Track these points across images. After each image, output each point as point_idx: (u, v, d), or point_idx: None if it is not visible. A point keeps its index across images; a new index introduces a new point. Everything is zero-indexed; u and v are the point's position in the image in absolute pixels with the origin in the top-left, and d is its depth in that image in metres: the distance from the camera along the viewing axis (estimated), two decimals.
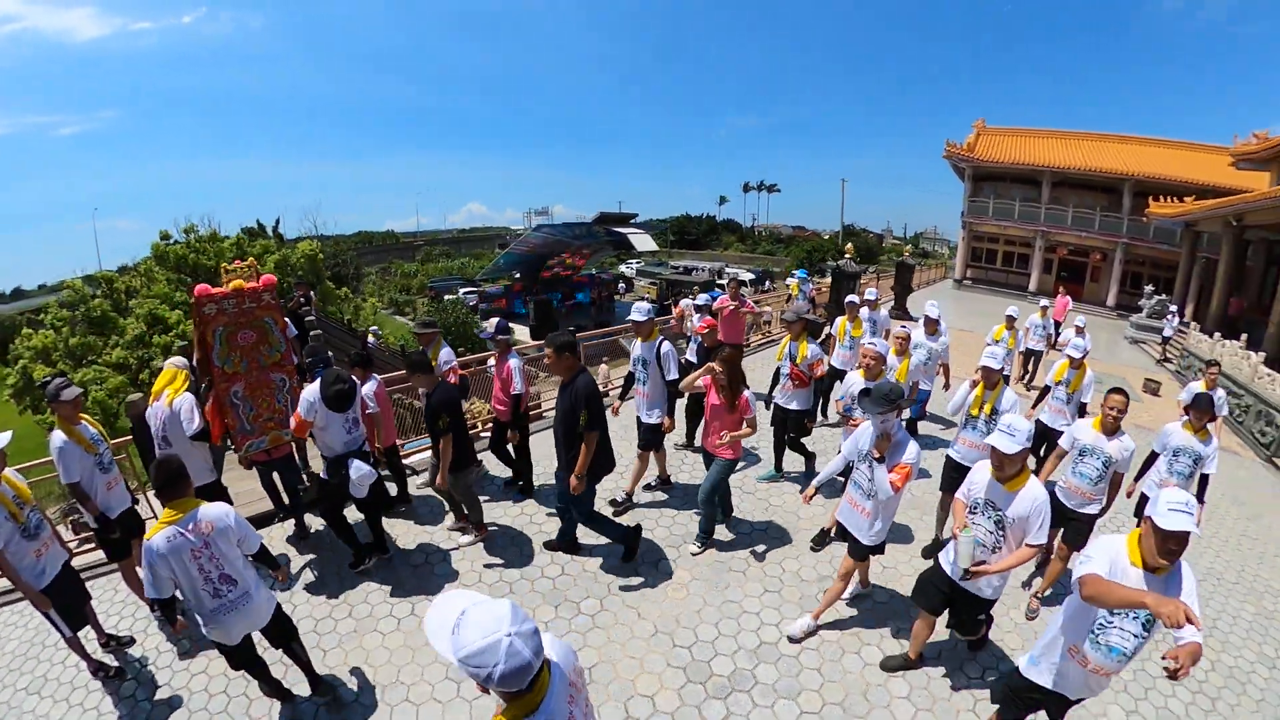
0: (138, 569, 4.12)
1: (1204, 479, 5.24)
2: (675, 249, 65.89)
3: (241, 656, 3.69)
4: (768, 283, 45.66)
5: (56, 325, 18.68)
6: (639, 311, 6.05)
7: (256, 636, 3.73)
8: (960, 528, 3.73)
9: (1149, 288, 20.61)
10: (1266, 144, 18.00)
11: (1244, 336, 13.52)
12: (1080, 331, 9.41)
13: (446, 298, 44.45)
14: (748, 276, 44.22)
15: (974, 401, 5.38)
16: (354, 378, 5.38)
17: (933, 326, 7.73)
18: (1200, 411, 5.20)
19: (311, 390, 5.01)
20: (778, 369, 6.69)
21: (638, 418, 6.11)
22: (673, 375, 5.82)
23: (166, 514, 3.35)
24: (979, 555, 3.57)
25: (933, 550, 5.63)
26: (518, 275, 34.61)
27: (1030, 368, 12.38)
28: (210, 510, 3.48)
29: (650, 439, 6.08)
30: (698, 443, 6.94)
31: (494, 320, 6.15)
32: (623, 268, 52.20)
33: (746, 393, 4.96)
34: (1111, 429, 4.80)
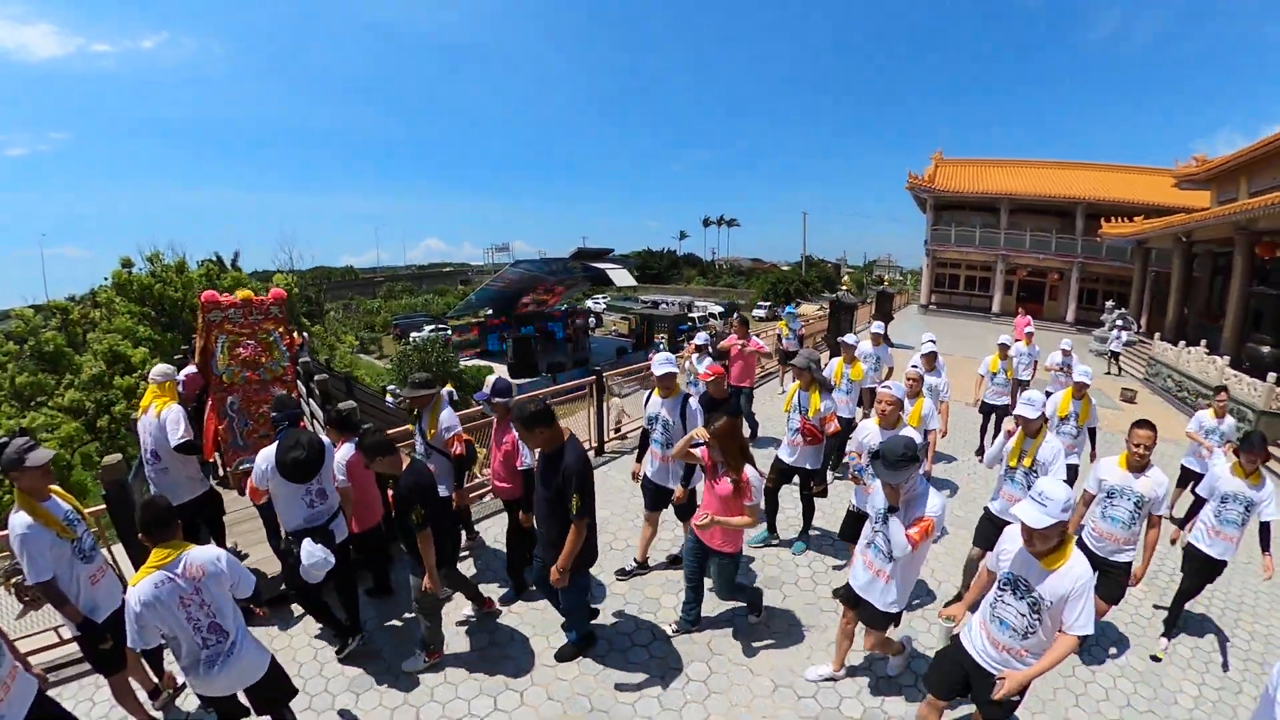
0: (131, 680, 3.82)
1: (1265, 528, 4.76)
2: (640, 284, 67.09)
3: (231, 711, 3.42)
4: (735, 315, 46.72)
5: (0, 361, 16.21)
6: (664, 363, 5.29)
7: (241, 696, 3.37)
8: (957, 616, 3.54)
9: (1110, 303, 22.14)
10: (1206, 166, 19.68)
11: (1203, 343, 14.72)
12: (1068, 354, 9.53)
13: (413, 335, 44.43)
14: (716, 310, 45.61)
15: (1012, 451, 4.91)
16: (326, 440, 4.65)
17: (931, 362, 7.64)
18: (1253, 453, 4.83)
19: (266, 454, 4.37)
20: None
21: (645, 477, 5.46)
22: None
23: (154, 557, 3.10)
24: (1008, 640, 3.08)
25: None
26: (489, 312, 34.71)
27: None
28: (200, 554, 3.22)
29: (660, 503, 5.37)
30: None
31: (491, 379, 5.22)
32: (589, 303, 52.79)
33: (750, 471, 4.05)
34: (1139, 465, 4.45)
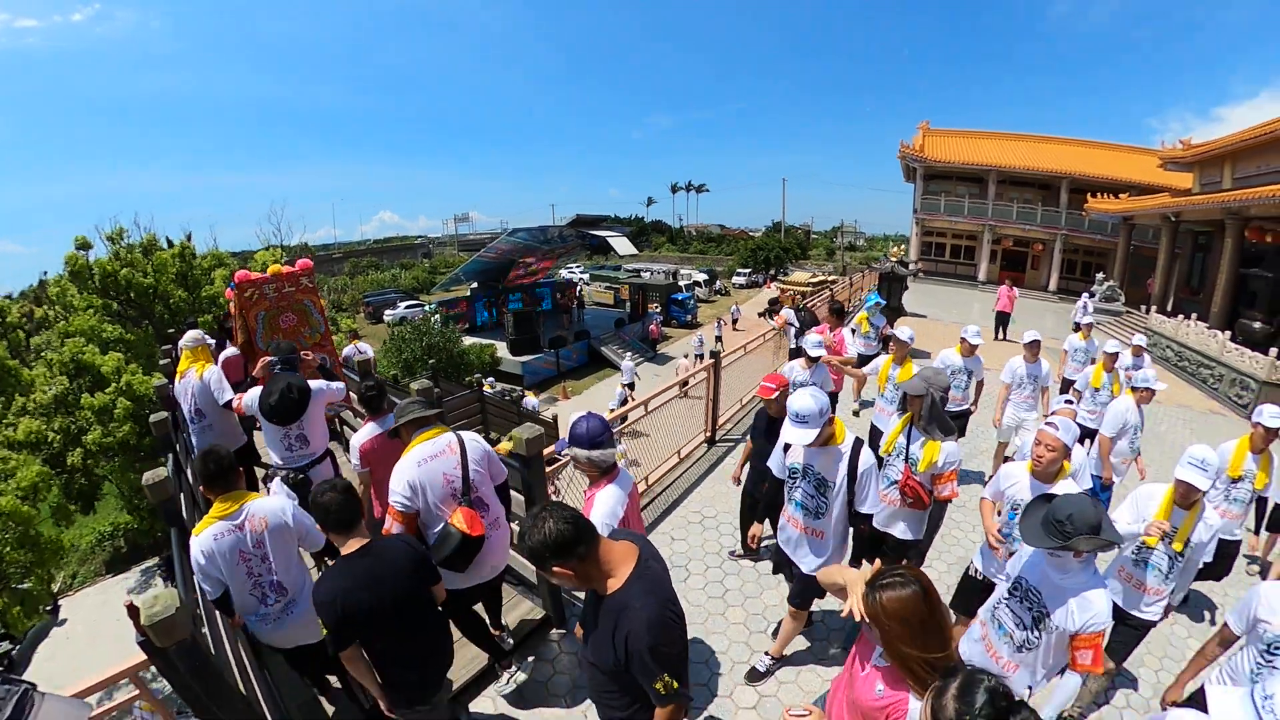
0: None
1: (1275, 508, 5.04)
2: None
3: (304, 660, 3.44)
4: (718, 283, 47.82)
5: None
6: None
7: None
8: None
9: (1099, 275, 24.13)
10: (1191, 149, 21.61)
11: (1193, 316, 16.59)
12: (1140, 354, 8.26)
13: (388, 313, 43.85)
14: (700, 277, 46.02)
15: (1154, 524, 3.61)
16: (315, 387, 4.77)
17: (1034, 353, 7.00)
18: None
19: (252, 395, 4.70)
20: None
21: (778, 548, 4.17)
22: (870, 506, 3.73)
23: (215, 508, 3.11)
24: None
25: None
26: (475, 285, 34.31)
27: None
28: (263, 504, 3.22)
29: (809, 595, 4.00)
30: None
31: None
32: (563, 272, 52.34)
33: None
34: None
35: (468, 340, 27.72)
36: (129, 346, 14.93)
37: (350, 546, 2.82)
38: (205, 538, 3.04)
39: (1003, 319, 18.10)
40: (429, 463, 3.44)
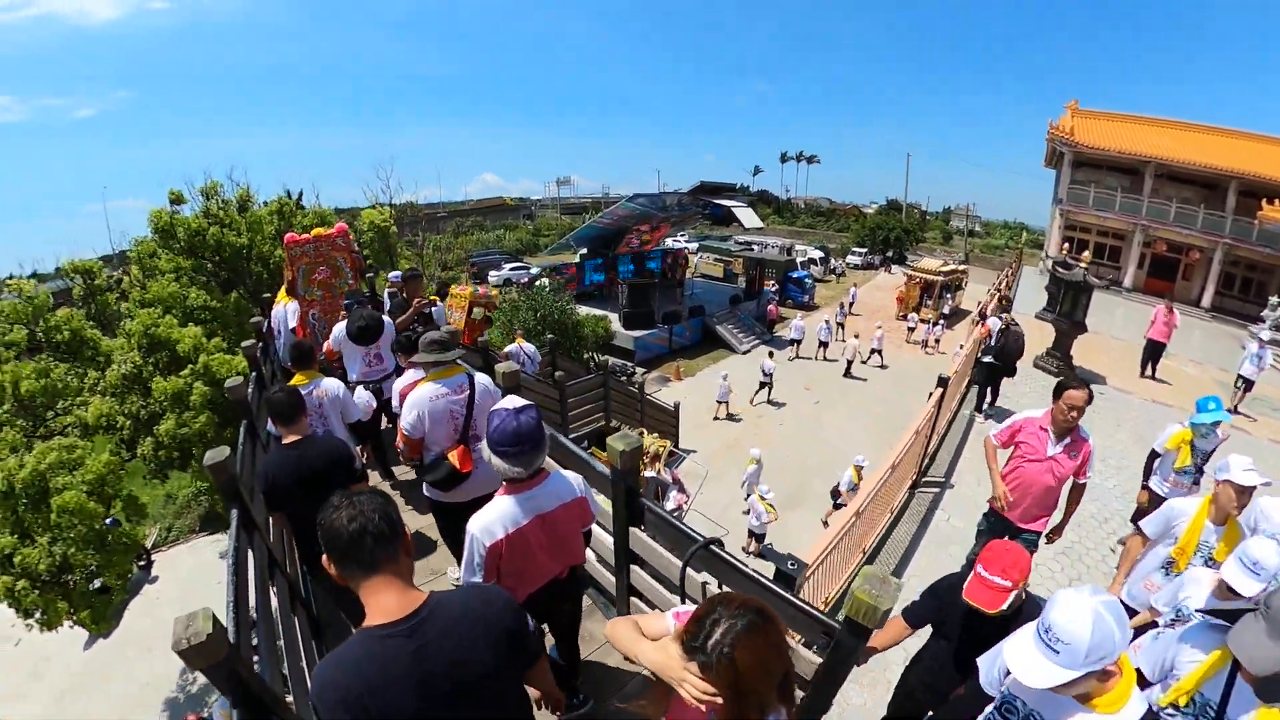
0: None
1: None
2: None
3: None
4: (833, 262, 46.41)
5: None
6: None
7: None
8: None
9: (1274, 299, 22.54)
10: None
11: None
12: None
13: (492, 274, 44.88)
14: (816, 254, 44.66)
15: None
16: (386, 320, 6.55)
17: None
18: None
19: (340, 325, 6.47)
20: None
21: None
22: None
23: (297, 379, 5.10)
24: None
25: None
26: (584, 251, 33.92)
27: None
28: (328, 382, 5.19)
29: None
30: None
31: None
32: (669, 241, 51.70)
33: None
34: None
35: (587, 311, 26.76)
36: (215, 315, 13.51)
37: (290, 437, 4.08)
38: None
39: (1155, 350, 15.83)
40: (438, 400, 4.19)
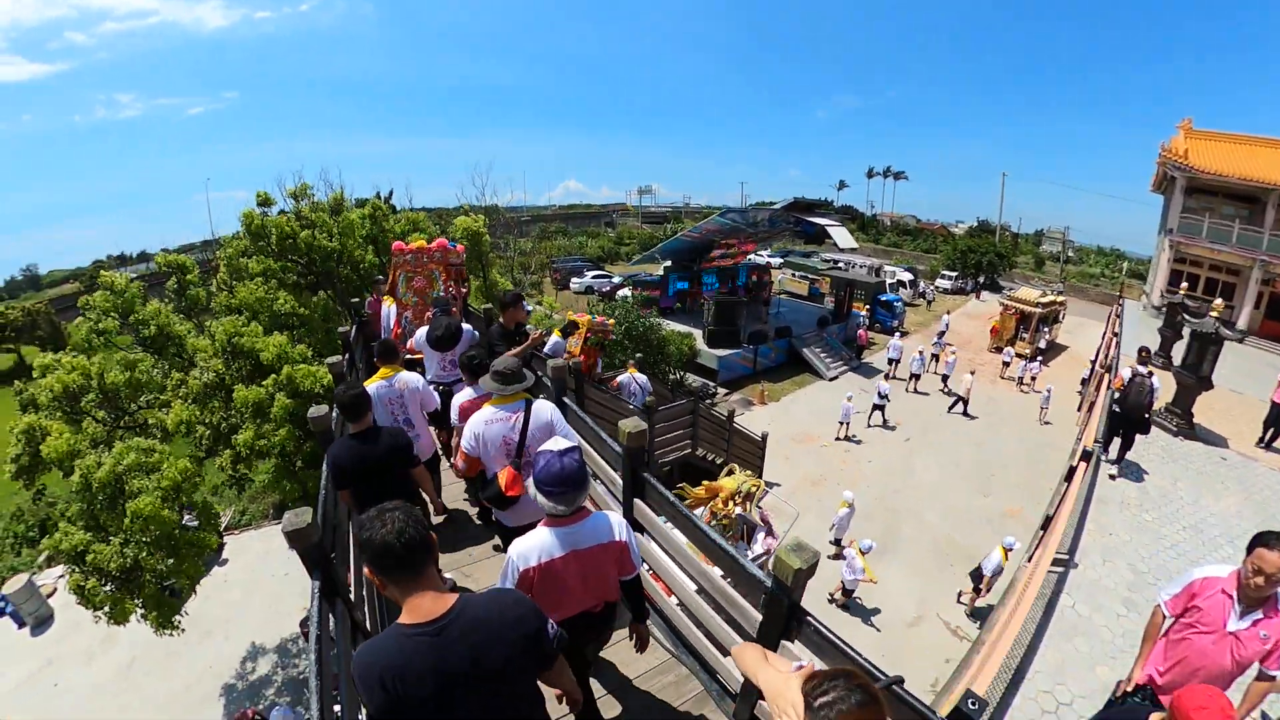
0: None
1: None
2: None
3: None
4: (922, 285, 45.40)
5: (85, 346, 11.81)
6: None
7: None
8: None
9: None
10: None
11: None
12: None
13: (574, 280, 45.57)
14: (905, 276, 43.53)
15: None
16: (467, 328, 7.23)
17: None
18: None
19: (421, 330, 7.31)
20: None
21: None
22: None
23: (380, 373, 5.74)
24: None
25: None
26: (669, 264, 33.41)
27: None
28: (408, 376, 5.82)
29: None
30: None
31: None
32: (752, 256, 50.94)
33: None
34: None
35: (672, 327, 26.54)
36: (303, 321, 13.44)
37: (358, 428, 4.70)
38: (374, 388, 5.48)
39: None
40: (494, 424, 4.48)
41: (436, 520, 6.08)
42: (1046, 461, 19.12)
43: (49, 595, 15.42)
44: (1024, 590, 6.82)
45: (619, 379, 13.34)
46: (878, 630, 12.62)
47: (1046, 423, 22.42)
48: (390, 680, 2.14)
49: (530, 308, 11.68)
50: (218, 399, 11.39)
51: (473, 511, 6.54)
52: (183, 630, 10.04)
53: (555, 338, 10.09)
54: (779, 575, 3.04)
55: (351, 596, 3.81)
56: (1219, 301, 14.33)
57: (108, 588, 8.99)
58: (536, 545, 3.17)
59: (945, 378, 25.53)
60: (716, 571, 3.97)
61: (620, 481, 4.66)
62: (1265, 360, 23.61)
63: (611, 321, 14.91)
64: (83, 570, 8.90)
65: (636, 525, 4.53)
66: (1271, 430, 14.19)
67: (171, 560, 9.34)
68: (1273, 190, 27.37)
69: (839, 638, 2.84)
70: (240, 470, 11.69)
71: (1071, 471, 7.35)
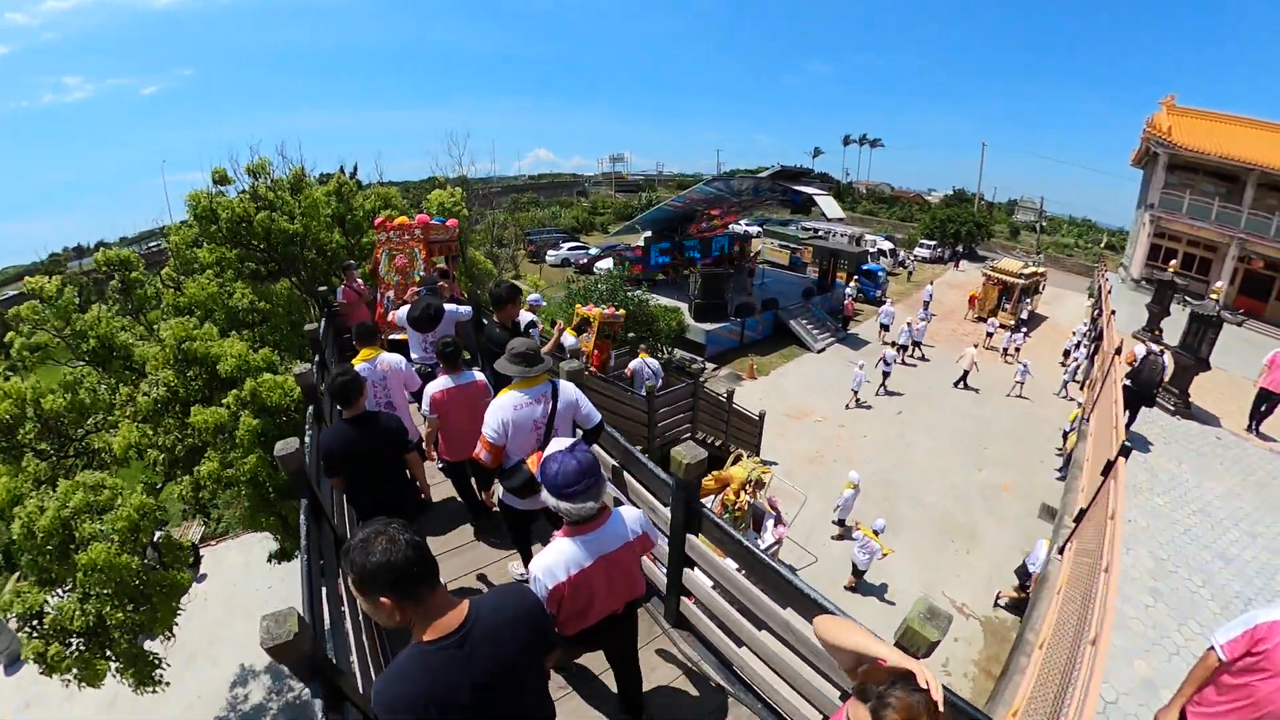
0: None
1: None
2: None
3: None
4: (901, 255, 45.40)
5: (17, 362, 10.76)
6: None
7: None
8: None
9: None
10: None
11: None
12: None
13: (549, 254, 44.78)
14: (885, 245, 43.51)
15: None
16: (449, 308, 7.22)
17: None
18: None
19: (403, 309, 7.35)
20: None
21: None
22: None
23: (361, 355, 5.78)
24: None
25: None
26: (649, 234, 32.39)
27: None
28: (389, 357, 5.88)
29: None
30: None
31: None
32: (733, 226, 50.18)
33: None
34: None
35: (658, 300, 25.64)
36: (264, 317, 12.04)
37: (350, 413, 4.62)
38: (359, 368, 5.48)
39: (1269, 402, 13.66)
40: (522, 408, 4.19)
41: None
42: (1035, 434, 19.46)
43: (19, 630, 13.94)
44: (1063, 587, 6.90)
45: (631, 366, 13.23)
46: (891, 604, 12.65)
47: (1021, 397, 22.40)
48: (432, 708, 2.07)
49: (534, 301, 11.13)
50: (171, 415, 9.62)
51: (454, 490, 6.12)
52: (166, 685, 8.72)
53: (569, 336, 10.00)
54: (908, 647, 2.54)
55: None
56: (1219, 284, 14.74)
57: (72, 649, 7.64)
58: (562, 558, 2.94)
59: (918, 344, 26.15)
60: (798, 620, 3.47)
61: (670, 515, 4.18)
62: (1239, 335, 24.14)
63: (623, 312, 14.77)
64: (40, 635, 7.59)
65: (686, 560, 4.28)
66: (1259, 418, 14.24)
67: (145, 609, 8.00)
68: (1252, 170, 27.92)
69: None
70: (203, 498, 9.89)
71: (1109, 466, 7.34)
